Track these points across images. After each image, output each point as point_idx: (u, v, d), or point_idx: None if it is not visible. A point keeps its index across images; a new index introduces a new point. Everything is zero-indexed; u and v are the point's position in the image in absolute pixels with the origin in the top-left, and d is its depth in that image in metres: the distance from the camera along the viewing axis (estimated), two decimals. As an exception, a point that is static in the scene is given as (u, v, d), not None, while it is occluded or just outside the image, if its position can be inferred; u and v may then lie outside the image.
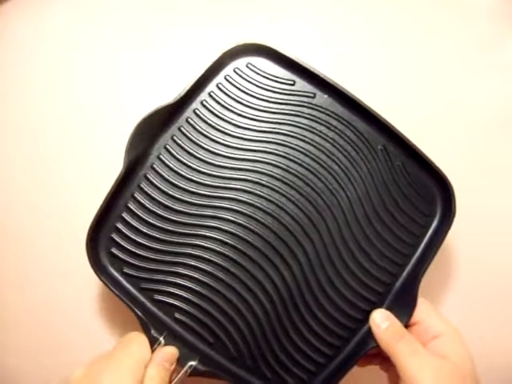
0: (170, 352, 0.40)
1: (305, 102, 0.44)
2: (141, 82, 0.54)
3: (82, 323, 0.49)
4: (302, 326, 0.43)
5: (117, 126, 0.52)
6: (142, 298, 0.43)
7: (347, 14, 0.57)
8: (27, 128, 0.53)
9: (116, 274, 0.43)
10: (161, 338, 0.41)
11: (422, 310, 0.42)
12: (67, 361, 0.46)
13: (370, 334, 0.42)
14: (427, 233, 0.44)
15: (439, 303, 0.52)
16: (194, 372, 0.41)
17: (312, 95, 0.45)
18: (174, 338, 0.41)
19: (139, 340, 0.40)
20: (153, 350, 0.40)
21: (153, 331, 0.41)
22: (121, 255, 0.43)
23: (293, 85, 0.45)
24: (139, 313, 0.41)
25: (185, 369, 0.41)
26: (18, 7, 0.57)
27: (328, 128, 0.44)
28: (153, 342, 0.40)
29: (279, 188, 0.44)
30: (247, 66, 0.44)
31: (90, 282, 0.45)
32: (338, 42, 0.56)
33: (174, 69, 0.53)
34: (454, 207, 0.43)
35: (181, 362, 0.41)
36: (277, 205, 0.44)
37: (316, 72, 0.44)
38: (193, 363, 0.41)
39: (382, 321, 0.41)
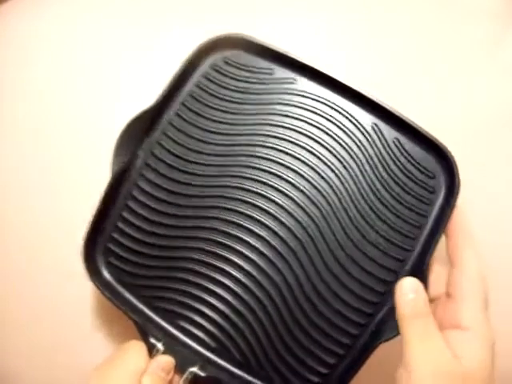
0: (165, 360, 0.39)
1: (286, 89, 0.43)
2: (140, 82, 0.53)
3: (83, 325, 0.49)
4: (308, 326, 0.40)
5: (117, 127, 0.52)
6: (140, 306, 0.42)
7: (346, 14, 0.56)
8: (26, 128, 0.53)
9: (114, 282, 0.42)
10: (159, 345, 0.40)
11: (465, 289, 0.37)
12: (68, 363, 0.47)
13: (381, 327, 0.39)
14: (433, 211, 0.40)
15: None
16: (196, 378, 0.39)
17: (293, 81, 0.43)
18: (173, 344, 0.40)
19: (136, 348, 0.39)
20: (152, 357, 0.39)
21: (151, 338, 0.40)
22: (118, 264, 0.42)
23: (272, 73, 0.43)
24: (138, 320, 0.40)
25: (185, 375, 0.39)
26: (18, 7, 0.57)
27: (313, 112, 0.42)
28: (151, 350, 0.39)
29: (271, 181, 0.42)
30: (224, 61, 0.43)
31: (89, 286, 0.45)
32: (337, 41, 0.56)
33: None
34: (458, 178, 0.40)
35: (181, 368, 0.40)
36: (272, 200, 0.42)
37: (293, 56, 0.42)
38: (193, 369, 0.39)
39: (409, 290, 0.37)
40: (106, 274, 0.43)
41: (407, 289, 0.37)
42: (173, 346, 0.40)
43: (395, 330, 0.37)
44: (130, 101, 0.53)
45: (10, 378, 0.48)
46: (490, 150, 0.54)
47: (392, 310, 0.38)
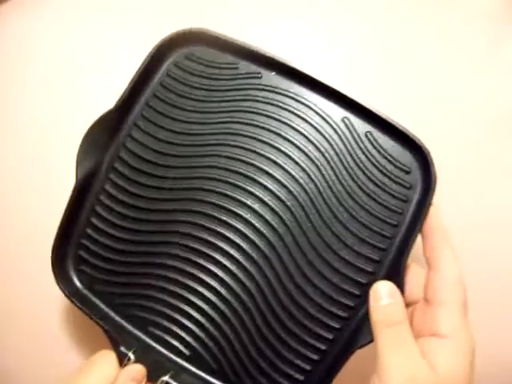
0: (136, 369, 0.38)
1: (252, 84, 0.41)
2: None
3: (84, 325, 0.49)
4: (282, 331, 0.39)
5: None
6: (112, 314, 0.41)
7: (346, 14, 0.56)
8: (26, 128, 0.54)
9: (85, 290, 0.41)
10: (130, 354, 0.39)
11: (443, 294, 0.35)
12: (67, 362, 0.47)
13: (357, 331, 0.37)
14: (410, 207, 0.38)
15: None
16: (169, 387, 0.39)
17: (258, 75, 0.41)
18: (145, 353, 0.39)
19: (105, 358, 0.38)
20: (123, 367, 0.38)
21: (122, 347, 0.39)
22: (89, 271, 0.41)
23: (236, 68, 0.41)
24: (108, 328, 0.39)
25: (157, 385, 0.39)
26: (18, 7, 0.58)
27: (281, 108, 0.40)
28: (122, 359, 0.38)
29: (238, 181, 0.40)
30: (187, 58, 0.41)
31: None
32: (337, 41, 0.55)
33: None
34: (434, 173, 0.37)
35: (153, 377, 0.38)
36: (237, 200, 0.40)
37: (257, 50, 0.40)
38: (165, 378, 0.38)
39: (384, 295, 0.35)
40: (77, 282, 0.42)
41: (382, 294, 0.35)
42: (144, 355, 0.39)
43: (370, 336, 0.35)
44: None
45: (9, 377, 0.49)
46: (490, 149, 0.53)
47: (367, 314, 0.36)
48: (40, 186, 0.53)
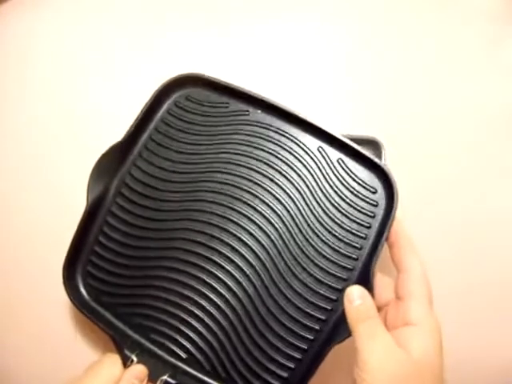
0: (138, 369, 0.43)
1: (241, 120, 0.48)
2: (139, 84, 0.55)
3: (85, 326, 0.51)
4: (268, 333, 0.44)
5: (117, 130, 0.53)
6: (116, 322, 0.46)
7: (346, 14, 0.59)
8: (25, 128, 0.56)
9: (92, 301, 0.46)
10: (133, 356, 0.44)
11: (411, 289, 0.40)
12: (67, 362, 0.49)
13: (334, 330, 0.43)
14: (377, 222, 0.45)
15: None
16: (168, 386, 0.43)
17: (246, 112, 0.48)
18: (146, 355, 0.44)
19: (110, 360, 0.43)
20: (126, 368, 0.43)
21: (125, 350, 0.44)
22: (96, 285, 0.47)
23: (227, 107, 0.48)
24: (113, 334, 0.44)
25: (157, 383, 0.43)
26: (18, 7, 0.59)
27: (265, 140, 0.47)
28: (126, 361, 0.43)
29: (229, 203, 0.46)
30: (186, 98, 0.49)
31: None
32: (337, 41, 0.58)
33: None
34: (396, 193, 0.43)
35: (154, 377, 0.43)
36: (232, 221, 0.46)
37: (244, 90, 0.47)
38: (164, 378, 0.43)
39: (356, 297, 0.40)
40: (85, 294, 0.47)
41: (354, 296, 0.40)
42: (146, 357, 0.44)
43: (347, 332, 0.41)
44: (130, 101, 0.54)
45: (9, 376, 0.50)
46: (490, 149, 0.55)
47: (343, 315, 0.41)
48: (41, 188, 0.54)
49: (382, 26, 0.58)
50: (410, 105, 0.56)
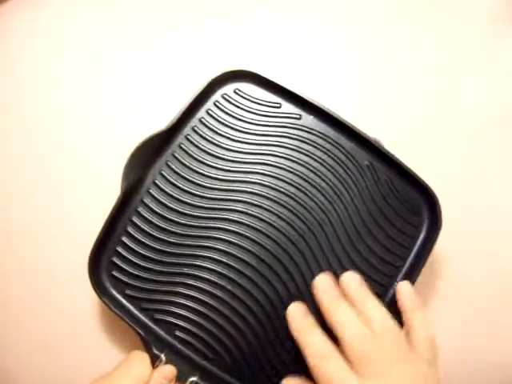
0: (168, 370, 0.42)
1: (291, 124, 0.46)
2: (139, 83, 0.55)
3: (85, 327, 0.50)
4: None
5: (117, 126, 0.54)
6: (143, 318, 0.45)
7: (346, 14, 0.58)
8: (25, 128, 0.54)
9: (118, 295, 0.45)
10: (162, 356, 0.43)
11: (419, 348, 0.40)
12: (68, 362, 0.49)
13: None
14: (416, 244, 0.46)
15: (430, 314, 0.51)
16: (195, 386, 0.43)
17: (298, 116, 0.47)
18: (174, 355, 0.43)
19: (140, 358, 0.42)
20: (155, 367, 0.42)
21: (154, 349, 0.43)
22: (122, 277, 0.45)
23: (279, 107, 0.47)
24: (141, 332, 0.43)
25: (187, 384, 0.43)
26: (18, 7, 0.58)
27: (315, 147, 0.46)
28: (154, 360, 0.42)
29: (270, 207, 0.46)
30: (235, 92, 0.46)
31: (91, 294, 0.45)
32: (338, 41, 0.57)
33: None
34: (440, 217, 0.45)
35: (182, 378, 0.43)
36: (269, 223, 0.45)
37: (300, 94, 0.46)
38: (193, 379, 0.43)
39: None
40: (110, 287, 0.45)
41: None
42: (173, 357, 0.43)
43: None
44: (130, 102, 0.55)
45: (9, 376, 0.49)
46: (490, 149, 0.55)
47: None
48: (48, 187, 0.53)
49: (381, 26, 0.58)
50: (410, 105, 0.56)
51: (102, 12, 0.57)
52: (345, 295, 0.41)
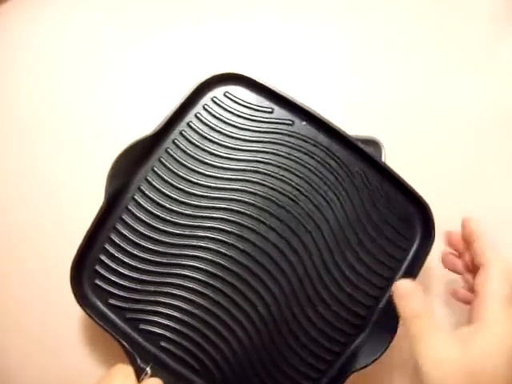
0: (153, 383, 0.41)
1: (283, 130, 0.45)
2: (139, 84, 0.54)
3: (86, 328, 0.49)
4: (287, 351, 0.44)
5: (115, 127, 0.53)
6: (127, 329, 0.43)
7: (347, 14, 0.58)
8: (24, 128, 0.53)
9: (101, 305, 0.43)
10: (147, 369, 0.41)
11: (489, 286, 0.37)
12: (68, 363, 0.48)
13: (353, 357, 0.44)
14: (408, 256, 0.45)
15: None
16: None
17: (290, 122, 0.45)
18: (160, 367, 0.42)
19: (124, 372, 0.41)
20: (140, 381, 0.41)
21: (139, 362, 0.41)
22: (105, 286, 0.43)
23: (271, 112, 0.45)
24: (126, 344, 0.41)
25: (172, 397, 0.42)
26: (18, 7, 0.57)
27: (306, 154, 0.45)
28: (139, 373, 0.41)
29: (259, 215, 0.44)
30: (225, 95, 0.45)
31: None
32: (339, 41, 0.57)
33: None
34: (433, 230, 0.44)
35: (167, 390, 0.42)
36: (257, 232, 0.44)
37: (293, 100, 0.44)
38: (179, 392, 0.42)
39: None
40: (92, 296, 0.43)
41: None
42: (160, 369, 0.42)
43: (368, 359, 0.41)
44: (129, 103, 0.54)
45: (9, 376, 0.48)
46: (490, 149, 0.55)
47: (365, 340, 0.43)
48: (41, 189, 0.52)
49: (382, 26, 0.58)
50: (410, 105, 0.55)
51: (101, 12, 0.57)
52: None
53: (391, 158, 0.47)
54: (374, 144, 0.48)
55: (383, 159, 0.46)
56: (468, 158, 0.54)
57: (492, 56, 0.58)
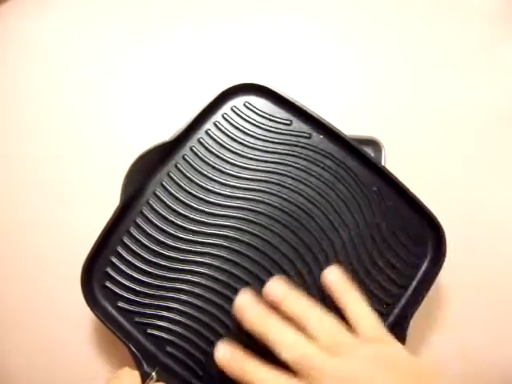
0: None
1: (301, 142, 0.45)
2: (138, 85, 0.55)
3: (86, 328, 0.49)
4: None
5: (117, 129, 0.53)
6: (135, 332, 0.43)
7: (347, 14, 0.58)
8: (25, 128, 0.54)
9: (110, 307, 0.43)
10: (153, 373, 0.42)
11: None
12: (68, 363, 0.48)
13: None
14: (418, 274, 0.45)
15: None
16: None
17: (308, 135, 0.45)
18: (165, 372, 0.42)
19: (130, 376, 0.41)
20: (145, 385, 0.41)
21: (145, 367, 0.41)
22: (115, 289, 0.43)
23: (289, 124, 0.45)
24: (133, 348, 0.42)
25: (177, 402, 0.42)
26: (18, 8, 0.57)
27: (323, 168, 0.45)
28: (145, 378, 0.41)
29: (273, 227, 0.44)
30: (245, 105, 0.45)
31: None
32: (339, 41, 0.57)
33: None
34: (445, 250, 0.44)
35: (171, 395, 0.42)
36: (269, 243, 0.44)
37: (312, 113, 0.44)
38: (183, 397, 0.42)
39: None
40: (102, 298, 0.43)
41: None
42: (165, 374, 0.42)
43: None
44: (129, 103, 0.54)
45: (9, 376, 0.48)
46: (490, 149, 0.55)
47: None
48: (48, 189, 0.52)
49: (381, 26, 0.58)
50: (410, 105, 0.56)
51: (102, 12, 0.57)
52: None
53: (391, 158, 0.48)
54: (374, 144, 0.49)
55: (383, 159, 0.46)
56: (468, 158, 0.54)
57: (492, 56, 0.58)
